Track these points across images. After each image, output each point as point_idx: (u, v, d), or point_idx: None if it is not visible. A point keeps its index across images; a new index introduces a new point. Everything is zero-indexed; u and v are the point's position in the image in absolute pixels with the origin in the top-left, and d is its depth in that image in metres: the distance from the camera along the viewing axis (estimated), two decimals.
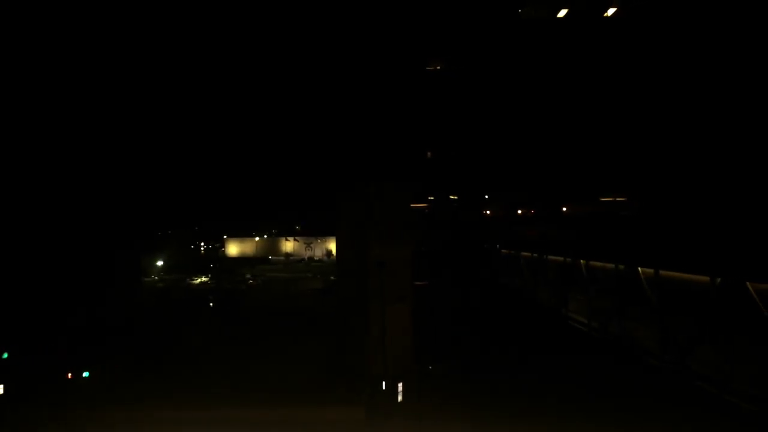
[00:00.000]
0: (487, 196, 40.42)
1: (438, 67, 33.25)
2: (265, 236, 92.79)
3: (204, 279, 64.48)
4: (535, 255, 30.40)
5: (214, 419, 18.50)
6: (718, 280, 14.42)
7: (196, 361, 25.46)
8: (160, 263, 71.28)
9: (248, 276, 64.95)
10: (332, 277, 53.83)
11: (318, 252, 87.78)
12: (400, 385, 20.90)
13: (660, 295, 17.53)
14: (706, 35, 26.05)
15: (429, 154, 36.59)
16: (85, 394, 21.41)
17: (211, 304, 47.59)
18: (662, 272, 18.00)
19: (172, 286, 58.03)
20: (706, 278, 15.29)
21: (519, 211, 41.31)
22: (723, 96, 25.89)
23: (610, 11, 29.71)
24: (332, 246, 77.09)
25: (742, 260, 14.62)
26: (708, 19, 25.94)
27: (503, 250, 38.59)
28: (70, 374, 22.87)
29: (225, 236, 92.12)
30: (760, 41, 24.06)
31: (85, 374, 22.99)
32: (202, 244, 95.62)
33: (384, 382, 20.82)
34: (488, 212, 41.30)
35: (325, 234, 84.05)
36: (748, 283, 12.99)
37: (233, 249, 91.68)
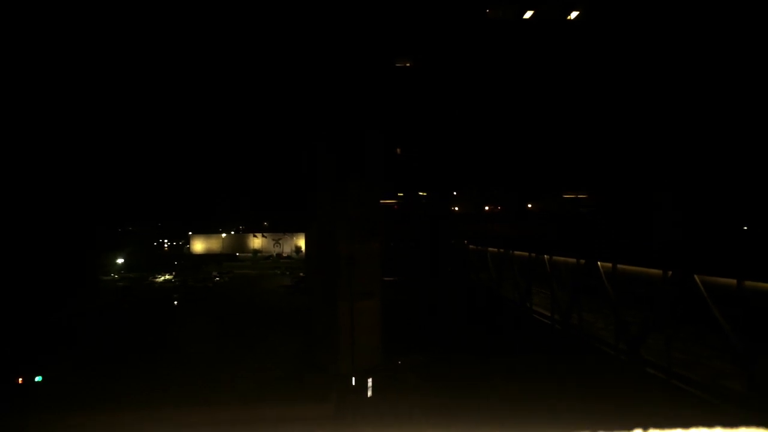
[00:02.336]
0: (455, 193, 41.09)
1: (407, 64, 33.44)
2: (232, 232, 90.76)
3: (168, 277, 62.55)
4: (501, 250, 31.18)
5: (179, 421, 18.05)
6: (670, 273, 15.27)
7: (158, 362, 24.74)
8: (120, 261, 68.57)
9: (214, 273, 63.48)
10: (301, 274, 53.36)
11: (287, 248, 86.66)
12: (369, 380, 21.03)
13: (617, 288, 18.40)
14: (663, 36, 27.39)
15: (398, 150, 36.82)
16: (39, 398, 20.43)
17: (175, 302, 46.26)
18: (620, 266, 18.91)
19: (133, 285, 55.97)
20: (659, 272, 16.18)
21: (486, 208, 42.24)
22: (678, 97, 27.33)
23: (573, 14, 30.74)
24: (301, 242, 76.32)
25: (690, 255, 15.57)
26: (664, 20, 27.28)
27: (471, 246, 39.39)
28: (20, 379, 21.76)
29: (190, 233, 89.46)
30: (713, 42, 25.53)
31: (38, 379, 21.94)
32: (166, 240, 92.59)
33: (353, 378, 20.89)
34: (456, 208, 42.00)
35: (294, 230, 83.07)
36: (695, 276, 13.82)
37: (199, 246, 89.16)
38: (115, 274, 63.81)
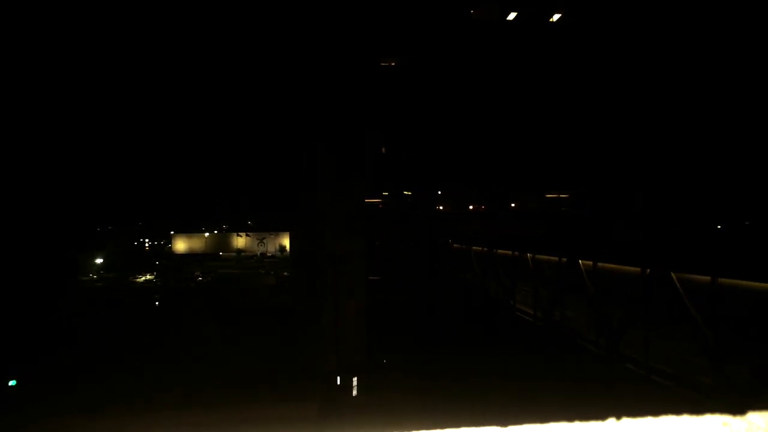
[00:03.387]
0: (440, 192, 41.34)
1: (392, 63, 33.51)
2: (216, 232, 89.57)
3: (149, 277, 61.47)
4: (485, 249, 31.52)
5: (160, 422, 17.77)
6: (648, 270, 15.70)
7: (141, 362, 24.33)
8: (99, 261, 67.09)
9: (197, 273, 62.61)
10: (285, 273, 53.01)
11: (271, 248, 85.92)
12: (354, 379, 21.04)
13: (597, 286, 18.80)
14: (643, 37, 28.07)
15: (383, 149, 36.85)
16: (12, 403, 19.86)
17: (156, 303, 45.47)
18: (600, 264, 19.34)
19: (112, 286, 54.80)
20: (637, 269, 16.62)
21: (470, 207, 42.59)
22: (658, 98, 28.05)
23: (555, 17, 31.24)
24: (286, 241, 75.79)
25: (667, 253, 16.06)
26: (644, 21, 27.95)
27: (455, 245, 39.68)
28: None
29: (172, 232, 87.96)
30: (690, 46, 26.24)
31: (12, 383, 21.34)
32: (147, 240, 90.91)
33: (338, 377, 20.88)
34: (441, 207, 42.27)
35: (279, 229, 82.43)
36: (672, 273, 14.25)
37: (181, 245, 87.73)
38: (93, 275, 62.40)
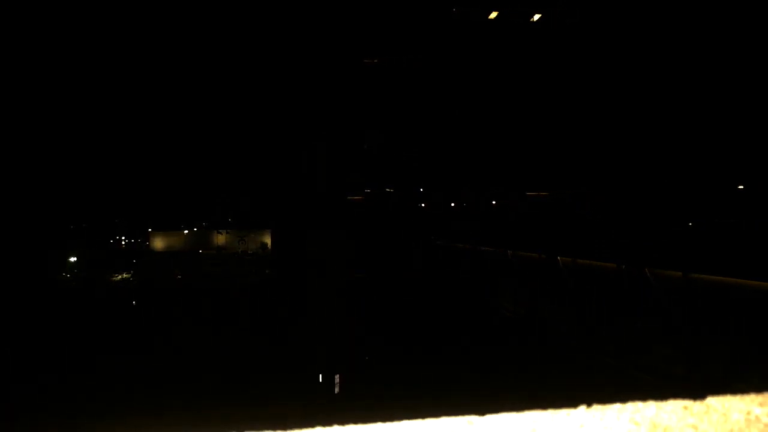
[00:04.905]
0: (422, 189, 41.58)
1: (375, 60, 33.47)
2: (195, 229, 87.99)
3: (126, 275, 60.14)
4: (468, 246, 31.89)
5: (139, 423, 17.44)
6: (623, 266, 16.19)
7: (121, 364, 23.85)
8: (73, 259, 65.27)
9: (176, 271, 61.52)
10: (267, 271, 52.56)
11: (252, 245, 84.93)
12: (337, 377, 21.06)
13: (575, 282, 19.27)
14: (621, 37, 28.71)
15: (366, 146, 36.83)
16: None
17: (133, 302, 44.52)
18: (579, 261, 19.83)
19: (87, 285, 53.40)
20: (613, 265, 17.12)
21: (452, 204, 42.98)
22: (638, 98, 28.74)
23: (536, 17, 31.69)
24: (267, 239, 75.02)
25: (642, 250, 16.57)
26: (620, 22, 28.59)
27: (438, 242, 39.99)
28: None
29: (149, 229, 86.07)
30: (668, 46, 26.95)
31: None
32: (123, 237, 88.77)
33: (321, 375, 20.87)
34: (423, 205, 42.53)
35: (260, 227, 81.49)
36: (646, 268, 14.72)
37: (159, 243, 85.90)
38: (67, 273, 60.70)
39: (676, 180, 26.23)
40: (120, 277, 59.64)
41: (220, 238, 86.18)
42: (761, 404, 1.28)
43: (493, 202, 40.75)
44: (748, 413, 1.24)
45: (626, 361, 15.42)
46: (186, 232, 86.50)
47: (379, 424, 1.41)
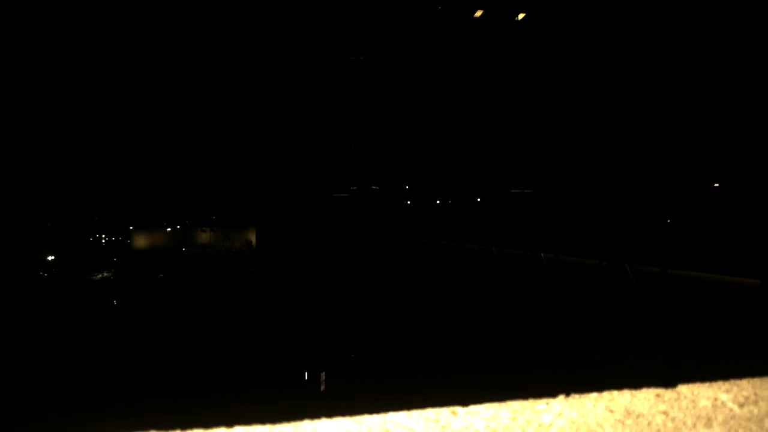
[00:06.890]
0: (407, 187, 41.70)
1: (361, 58, 33.41)
2: (178, 227, 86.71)
3: (106, 274, 59.02)
4: (452, 243, 32.15)
5: (121, 423, 17.20)
6: (604, 262, 16.56)
7: (103, 364, 23.43)
8: (51, 258, 63.75)
9: (159, 270, 60.57)
10: (252, 269, 52.15)
11: (237, 243, 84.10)
12: (322, 374, 21.08)
13: (558, 277, 19.64)
14: (602, 37, 29.19)
15: (352, 144, 36.77)
16: None
17: (114, 302, 43.74)
18: (563, 257, 20.23)
19: (66, 284, 52.22)
20: (596, 261, 17.54)
21: (437, 201, 43.23)
22: (618, 97, 29.29)
23: (520, 16, 32.01)
24: (252, 237, 74.36)
25: (622, 247, 17.01)
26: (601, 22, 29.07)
27: (423, 239, 40.20)
28: None
29: (131, 227, 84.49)
30: (650, 46, 27.50)
31: None
32: (104, 235, 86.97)
33: (306, 372, 20.88)
34: (409, 202, 42.66)
35: (245, 224, 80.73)
36: (626, 264, 15.11)
37: (141, 241, 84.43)
38: (44, 273, 59.25)
39: (656, 178, 26.88)
40: (100, 275, 58.48)
41: (204, 236, 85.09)
42: (727, 391, 1.36)
43: (478, 200, 41.12)
44: (716, 399, 1.32)
45: (605, 354, 15.81)
46: (169, 229, 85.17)
47: (366, 416, 1.45)
